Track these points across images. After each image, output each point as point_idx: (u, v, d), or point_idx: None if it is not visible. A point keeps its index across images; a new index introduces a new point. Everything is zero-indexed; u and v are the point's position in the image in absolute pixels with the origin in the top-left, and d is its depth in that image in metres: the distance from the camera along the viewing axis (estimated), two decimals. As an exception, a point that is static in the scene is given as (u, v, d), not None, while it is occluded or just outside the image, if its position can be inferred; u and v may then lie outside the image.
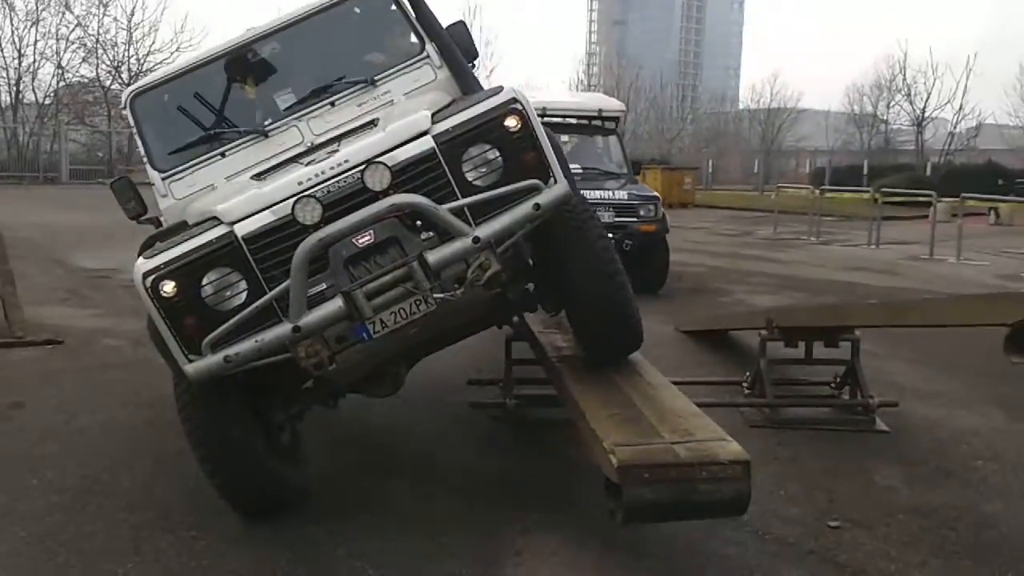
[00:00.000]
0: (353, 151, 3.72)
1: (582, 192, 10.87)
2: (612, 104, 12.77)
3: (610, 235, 10.31)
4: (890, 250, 16.43)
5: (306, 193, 3.56)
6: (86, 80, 35.44)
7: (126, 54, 34.93)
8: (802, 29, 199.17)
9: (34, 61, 33.51)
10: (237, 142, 4.40)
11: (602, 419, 3.93)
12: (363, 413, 5.45)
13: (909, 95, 47.18)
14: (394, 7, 4.67)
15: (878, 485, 4.75)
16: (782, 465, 4.99)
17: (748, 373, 6.21)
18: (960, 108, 45.41)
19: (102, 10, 34.25)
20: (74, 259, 12.39)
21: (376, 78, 4.50)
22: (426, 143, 3.67)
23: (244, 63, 4.61)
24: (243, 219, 3.58)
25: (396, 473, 4.78)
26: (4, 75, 33.29)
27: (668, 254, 11.01)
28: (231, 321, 3.49)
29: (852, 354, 5.87)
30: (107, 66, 34.97)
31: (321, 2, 4.62)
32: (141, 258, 3.60)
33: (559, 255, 4.24)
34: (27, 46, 33.42)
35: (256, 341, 3.51)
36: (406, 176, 3.62)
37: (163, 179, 4.42)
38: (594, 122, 12.26)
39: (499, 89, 3.85)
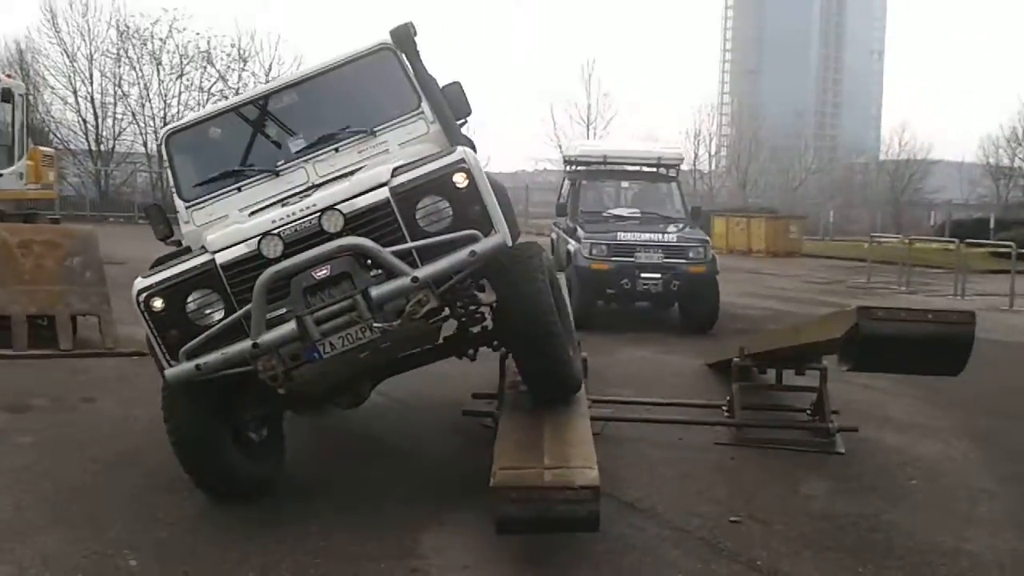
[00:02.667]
0: (320, 197, 4.39)
1: (637, 234, 11.50)
2: (671, 153, 13.37)
3: (658, 275, 10.96)
4: (973, 301, 16.20)
5: (272, 231, 4.27)
6: (227, 130, 38.23)
7: (265, 107, 37.42)
8: (935, 80, 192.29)
9: (178, 111, 36.59)
10: (252, 179, 5.12)
11: (506, 443, 4.56)
12: (379, 419, 6.26)
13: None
14: (397, 67, 5.30)
15: (800, 494, 5.20)
16: (723, 474, 5.51)
17: (728, 397, 6.71)
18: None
19: (241, 65, 37.50)
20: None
21: (376, 129, 5.15)
22: (382, 193, 4.33)
23: (264, 110, 5.37)
24: (223, 249, 4.31)
25: (377, 463, 5.54)
26: (152, 124, 36.61)
27: (718, 295, 11.41)
28: (204, 335, 4.20)
29: (820, 381, 6.30)
30: (248, 117, 37.58)
31: (335, 60, 5.36)
32: (140, 277, 4.37)
33: (502, 300, 4.69)
34: (172, 97, 36.94)
35: (222, 354, 4.21)
36: (363, 220, 4.28)
37: (187, 207, 5.19)
38: (657, 169, 12.96)
39: (453, 150, 4.50)
